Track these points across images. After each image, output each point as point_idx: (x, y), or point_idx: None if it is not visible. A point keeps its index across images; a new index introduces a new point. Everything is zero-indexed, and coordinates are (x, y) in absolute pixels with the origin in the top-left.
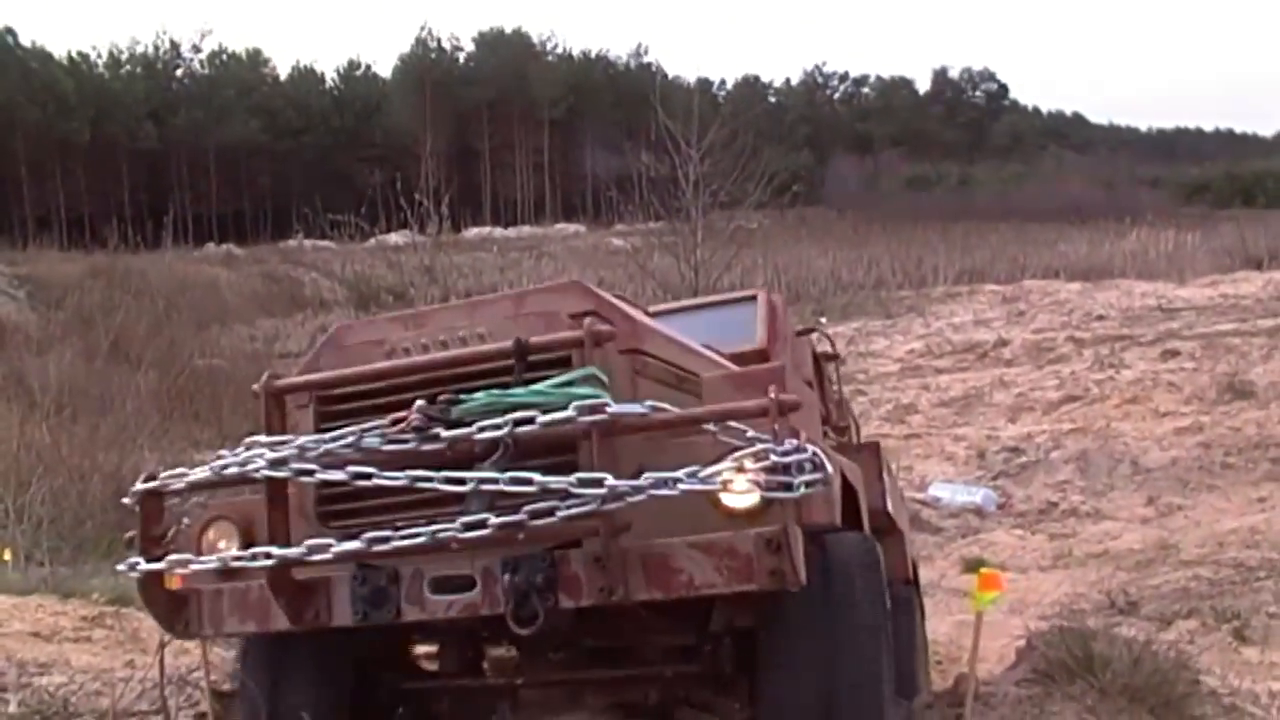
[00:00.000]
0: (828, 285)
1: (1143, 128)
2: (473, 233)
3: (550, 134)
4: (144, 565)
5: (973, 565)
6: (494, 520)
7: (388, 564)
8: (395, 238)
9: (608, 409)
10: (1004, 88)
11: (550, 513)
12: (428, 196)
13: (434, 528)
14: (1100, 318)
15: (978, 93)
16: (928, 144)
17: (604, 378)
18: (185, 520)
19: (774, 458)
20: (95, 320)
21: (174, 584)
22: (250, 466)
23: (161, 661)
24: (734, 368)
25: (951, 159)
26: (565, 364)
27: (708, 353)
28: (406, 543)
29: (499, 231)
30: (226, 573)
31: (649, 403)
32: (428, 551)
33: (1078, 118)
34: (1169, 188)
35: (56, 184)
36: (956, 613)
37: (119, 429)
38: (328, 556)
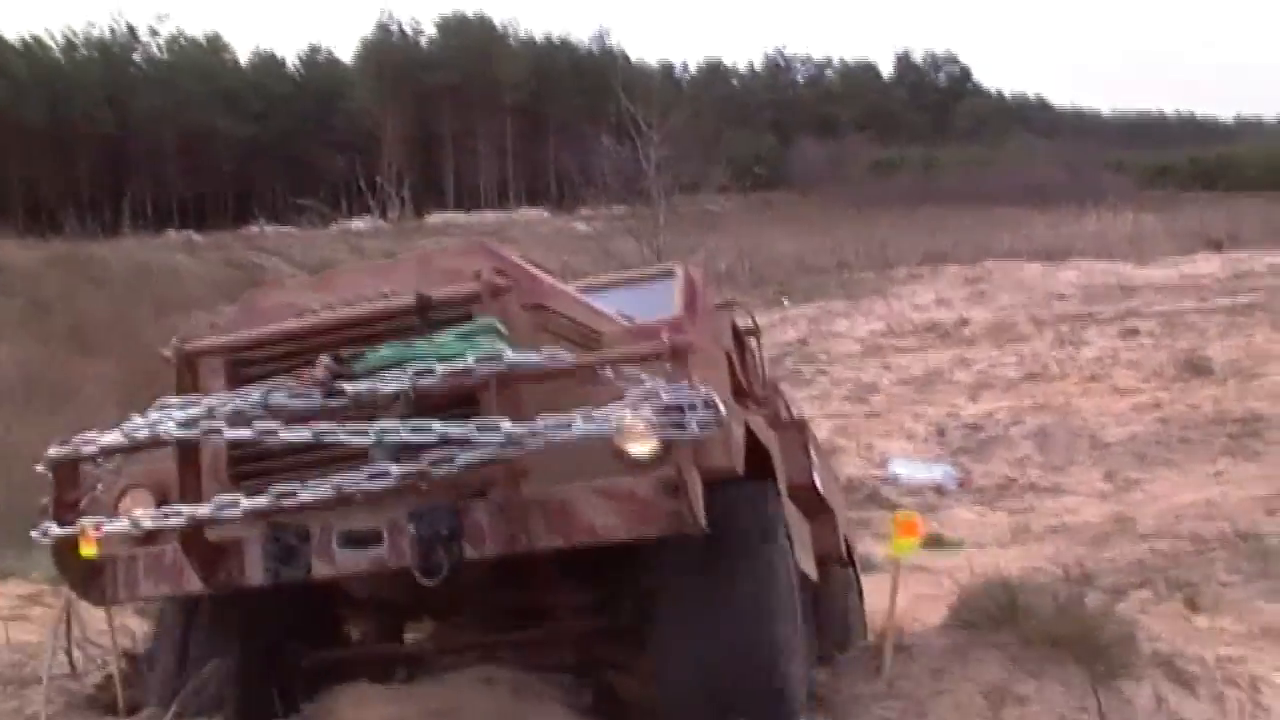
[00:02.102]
0: (792, 268)
1: (1106, 111)
2: (436, 218)
3: (513, 119)
4: (55, 530)
5: (932, 541)
6: (396, 469)
7: (298, 522)
8: (358, 223)
9: (505, 358)
10: (967, 71)
11: (450, 460)
12: (390, 182)
13: (338, 479)
14: (1061, 297)
15: (941, 75)
16: (892, 127)
17: (502, 329)
18: (99, 486)
19: (665, 397)
20: (53, 308)
21: (89, 551)
22: (160, 428)
23: (69, 624)
24: (663, 319)
25: (916, 142)
26: (468, 319)
27: (616, 316)
28: (312, 495)
29: (462, 217)
30: (141, 538)
31: (546, 351)
32: (335, 505)
33: (1041, 101)
34: (1132, 171)
35: (12, 170)
36: (912, 587)
37: (76, 417)
38: (236, 513)
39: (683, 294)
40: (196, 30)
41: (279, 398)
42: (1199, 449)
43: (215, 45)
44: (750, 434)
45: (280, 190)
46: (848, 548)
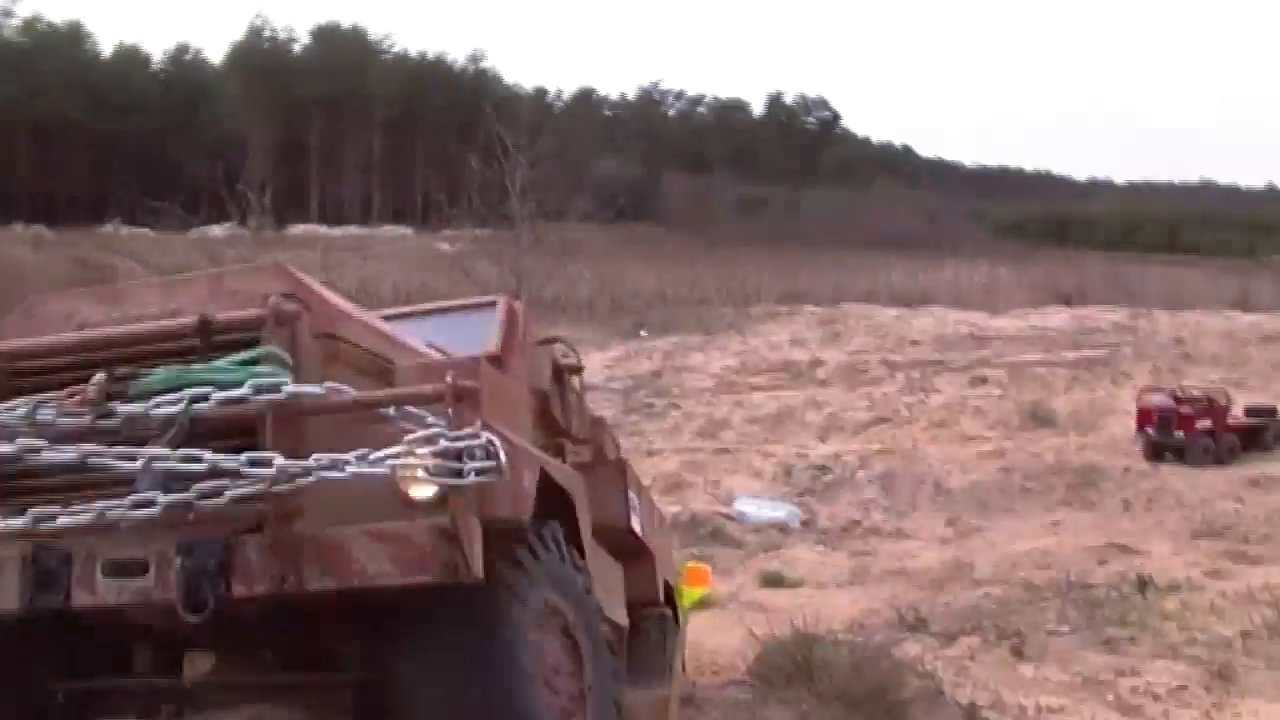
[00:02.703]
0: (652, 299)
1: (967, 163)
2: (298, 229)
3: (383, 134)
4: None
5: (771, 580)
6: (163, 499)
7: (62, 546)
8: (217, 230)
9: (284, 389)
10: (837, 116)
11: (219, 493)
12: (253, 190)
13: (102, 504)
14: (914, 343)
15: (811, 119)
16: (760, 166)
17: (286, 358)
18: None
19: (444, 443)
20: None
21: None
22: None
23: None
24: (457, 357)
25: (782, 182)
26: (254, 344)
27: (420, 347)
28: (73, 520)
29: (324, 230)
30: None
31: (327, 384)
32: (97, 531)
33: (907, 150)
34: (989, 222)
35: None
36: (751, 624)
37: None
38: None
39: (501, 327)
40: (56, 17)
41: (47, 414)
42: (1039, 498)
43: (76, 34)
44: (546, 478)
45: (137, 190)
46: (668, 589)
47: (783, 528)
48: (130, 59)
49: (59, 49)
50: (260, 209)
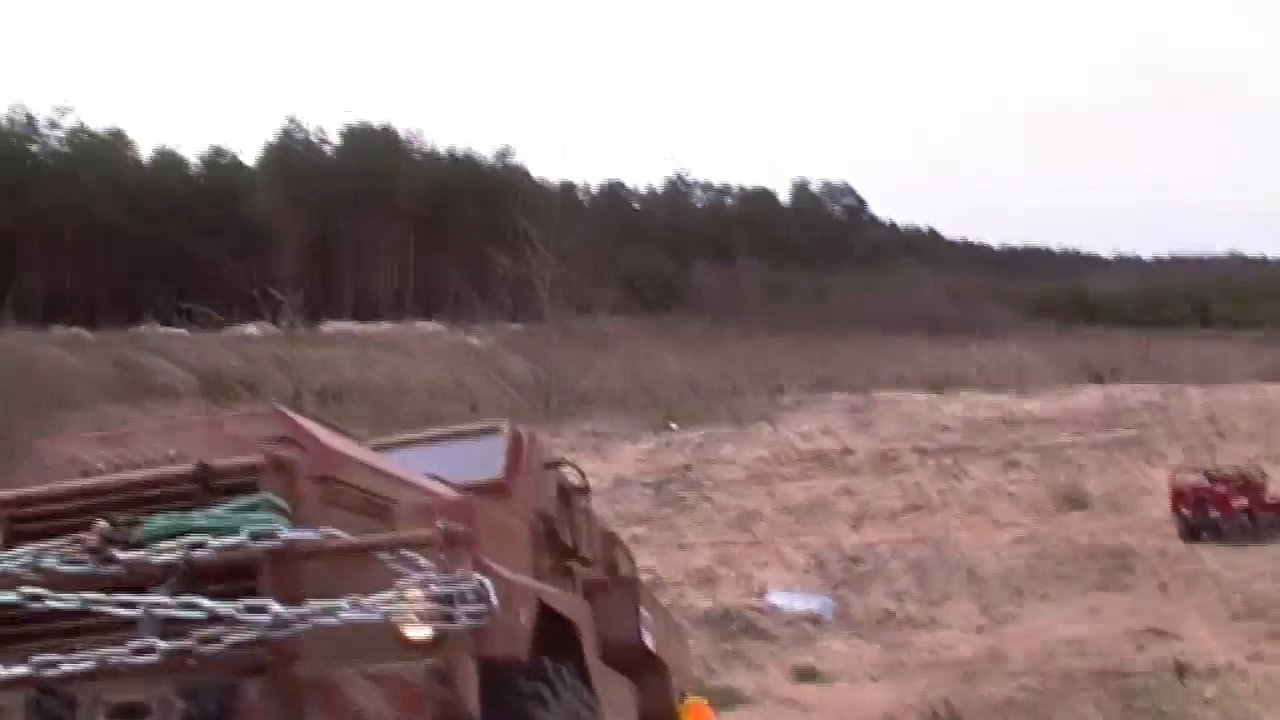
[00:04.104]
0: (682, 390)
1: (994, 244)
2: (331, 327)
3: (413, 231)
4: None
5: (804, 674)
6: (162, 645)
7: (66, 691)
8: (251, 329)
9: (280, 535)
10: (862, 202)
11: (218, 639)
12: (285, 289)
13: (103, 651)
14: (945, 429)
15: (837, 206)
16: (787, 254)
17: (282, 504)
18: None
19: (435, 588)
20: None
21: None
22: None
23: None
24: (451, 496)
25: (810, 269)
26: (252, 489)
27: (423, 481)
28: (75, 667)
29: (357, 327)
30: None
31: (322, 530)
32: (99, 677)
33: (933, 233)
34: (1017, 303)
35: None
36: None
37: None
38: None
39: (506, 454)
40: (99, 124)
41: (50, 561)
42: (1073, 582)
43: (118, 141)
44: (547, 609)
45: (172, 292)
46: (680, 698)
47: (815, 620)
48: (168, 163)
49: (101, 156)
50: (292, 308)
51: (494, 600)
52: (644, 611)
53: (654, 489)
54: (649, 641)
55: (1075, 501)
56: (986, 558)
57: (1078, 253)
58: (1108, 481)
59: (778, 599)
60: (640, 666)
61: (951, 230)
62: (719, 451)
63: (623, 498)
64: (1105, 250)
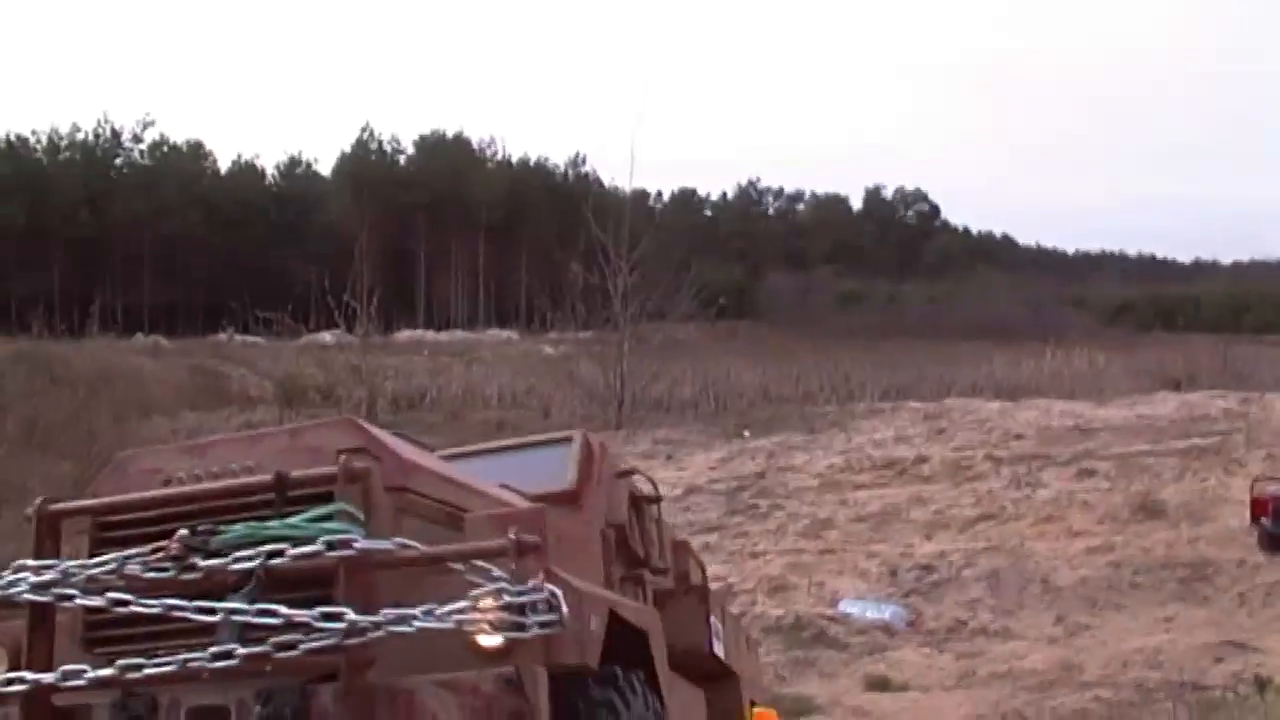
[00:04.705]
0: (755, 398)
1: (1069, 250)
2: (405, 334)
3: (486, 239)
4: None
5: (876, 684)
6: (241, 650)
7: (148, 693)
8: (326, 336)
9: (355, 544)
10: (936, 208)
11: (294, 645)
12: (359, 297)
13: (185, 656)
14: (1019, 436)
15: (910, 212)
16: (860, 261)
17: (357, 513)
18: None
19: (507, 598)
20: (12, 405)
21: None
22: (13, 590)
23: None
24: (523, 505)
25: (883, 276)
26: (328, 499)
27: (495, 491)
28: (158, 670)
29: (431, 335)
30: None
31: (397, 539)
32: (180, 680)
33: (1007, 239)
34: (1093, 309)
35: None
36: None
37: (25, 519)
38: (81, 683)
39: (578, 463)
40: (179, 136)
41: (134, 567)
42: (1150, 593)
43: (196, 152)
44: (617, 618)
45: (249, 300)
46: (750, 707)
47: (888, 628)
48: (245, 174)
49: (180, 167)
50: (367, 315)
51: (565, 609)
52: (714, 620)
53: (726, 497)
54: (719, 650)
55: (1152, 511)
56: (1061, 567)
57: (1154, 257)
58: (1185, 490)
59: (850, 607)
60: (711, 675)
61: (1026, 235)
62: (791, 459)
63: (695, 505)
64: (1183, 255)
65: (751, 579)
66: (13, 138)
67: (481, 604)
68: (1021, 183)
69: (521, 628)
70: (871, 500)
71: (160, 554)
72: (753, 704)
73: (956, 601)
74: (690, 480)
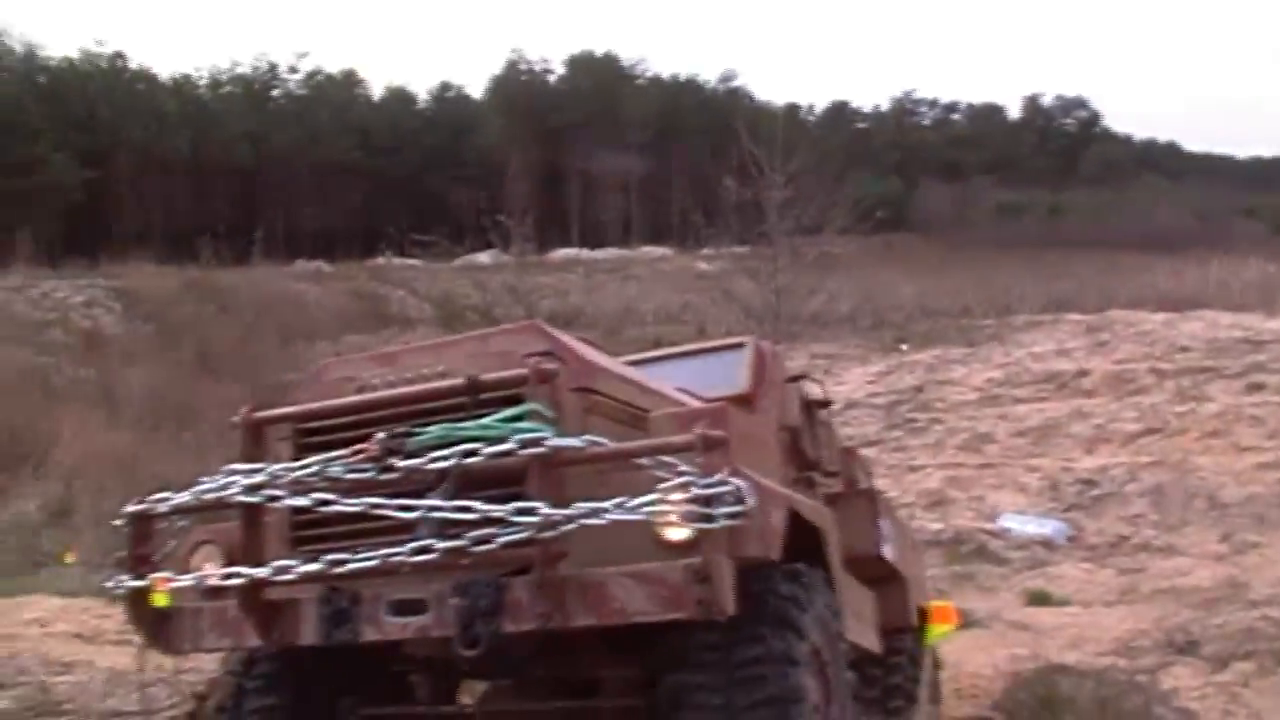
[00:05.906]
0: (913, 312)
1: (1240, 155)
2: (559, 254)
3: (639, 157)
4: (128, 581)
5: (1037, 598)
6: (439, 545)
7: (352, 587)
8: (482, 257)
9: (546, 442)
10: (1096, 115)
11: (490, 539)
12: (514, 217)
13: (386, 551)
14: (1184, 349)
15: (1069, 120)
16: (1018, 171)
17: (548, 413)
18: (172, 542)
19: (695, 490)
20: (184, 334)
21: (161, 601)
22: (226, 492)
23: (141, 666)
24: (705, 404)
25: (1042, 186)
26: (518, 400)
27: (672, 393)
28: (361, 565)
29: (585, 253)
30: (209, 592)
31: (586, 437)
32: (382, 574)
33: (1172, 146)
34: (1266, 218)
35: (157, 200)
36: (1013, 646)
37: (199, 440)
38: (291, 577)
39: (750, 368)
40: (334, 67)
41: (337, 469)
42: None
43: (350, 81)
44: (795, 515)
45: (406, 224)
46: (922, 614)
47: (1048, 544)
48: (398, 100)
49: (335, 97)
50: (522, 235)
51: (751, 502)
52: (883, 523)
53: (884, 411)
54: (888, 553)
55: None
56: (1227, 483)
57: None
58: None
59: (1010, 522)
60: (880, 578)
61: (1193, 143)
62: (950, 373)
63: (853, 420)
64: None
65: (910, 493)
66: (178, 76)
67: (671, 497)
68: (1187, 87)
69: (709, 519)
70: (1031, 414)
71: (360, 456)
72: (920, 609)
73: (1119, 517)
74: (848, 395)
